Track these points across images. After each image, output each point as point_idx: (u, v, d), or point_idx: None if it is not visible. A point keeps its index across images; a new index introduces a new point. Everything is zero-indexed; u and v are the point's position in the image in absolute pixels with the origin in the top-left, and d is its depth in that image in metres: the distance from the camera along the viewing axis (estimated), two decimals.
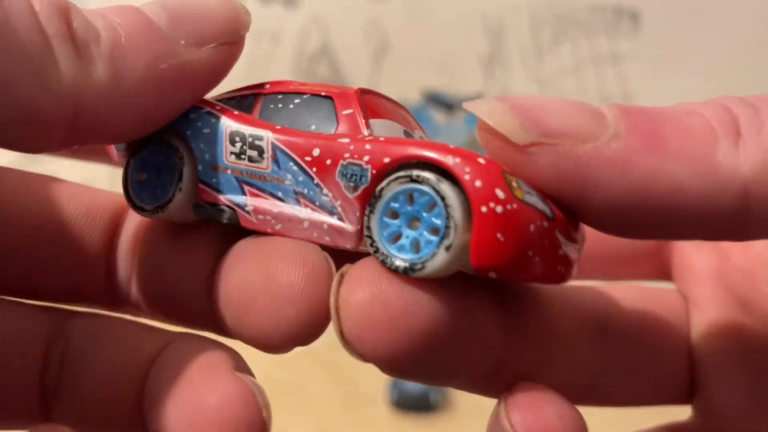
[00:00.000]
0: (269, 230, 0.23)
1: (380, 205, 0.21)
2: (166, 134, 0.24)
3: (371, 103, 0.24)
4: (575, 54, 0.90)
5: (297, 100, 0.24)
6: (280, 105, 0.25)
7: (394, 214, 0.21)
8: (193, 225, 0.25)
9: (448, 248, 0.20)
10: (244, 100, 0.25)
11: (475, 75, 0.90)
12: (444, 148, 0.21)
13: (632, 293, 0.26)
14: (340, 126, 0.23)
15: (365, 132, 0.23)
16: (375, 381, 0.70)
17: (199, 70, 0.23)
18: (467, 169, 0.20)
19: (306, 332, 0.22)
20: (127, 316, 0.26)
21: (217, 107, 0.24)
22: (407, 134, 0.25)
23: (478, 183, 0.20)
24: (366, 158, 0.22)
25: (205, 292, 0.23)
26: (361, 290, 0.20)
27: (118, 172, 0.26)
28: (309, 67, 0.88)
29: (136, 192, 0.25)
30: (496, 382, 0.23)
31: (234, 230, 0.24)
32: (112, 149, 0.26)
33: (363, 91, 0.24)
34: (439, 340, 0.20)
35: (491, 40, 0.90)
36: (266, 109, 0.25)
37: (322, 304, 0.21)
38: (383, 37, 0.89)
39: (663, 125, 0.20)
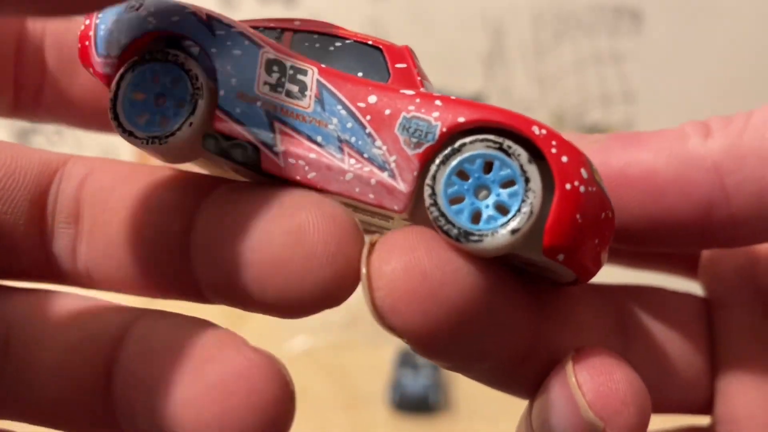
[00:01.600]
0: (298, 177, 0.20)
1: (455, 161, 0.19)
2: (179, 52, 0.21)
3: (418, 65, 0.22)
4: (576, 53, 0.90)
5: (337, 43, 0.22)
6: (316, 45, 0.22)
7: (464, 176, 0.19)
8: (160, 174, 0.22)
9: (513, 232, 0.19)
10: (267, 33, 0.22)
11: (476, 74, 0.89)
12: (524, 118, 0.19)
13: (648, 296, 0.25)
14: (392, 79, 0.21)
15: (422, 89, 0.21)
16: (375, 382, 0.70)
17: None
18: (554, 143, 0.19)
19: (339, 294, 0.20)
20: (72, 291, 0.23)
21: (250, 30, 0.21)
22: None
23: (564, 158, 0.19)
24: (435, 114, 0.19)
25: (182, 252, 0.21)
26: (396, 258, 0.19)
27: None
28: None
29: (126, 113, 0.21)
30: (524, 370, 0.22)
31: (208, 180, 0.21)
32: (91, 53, 0.21)
33: (411, 50, 0.22)
34: (477, 315, 0.19)
35: (492, 39, 0.89)
36: (299, 46, 0.22)
37: (355, 264, 0.19)
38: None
39: (641, 134, 0.22)
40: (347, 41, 0.22)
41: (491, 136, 0.19)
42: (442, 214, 0.19)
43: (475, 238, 0.19)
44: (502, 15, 0.89)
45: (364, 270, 0.19)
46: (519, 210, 0.19)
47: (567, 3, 0.89)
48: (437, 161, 0.20)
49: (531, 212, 0.19)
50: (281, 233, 0.19)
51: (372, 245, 0.20)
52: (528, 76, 0.90)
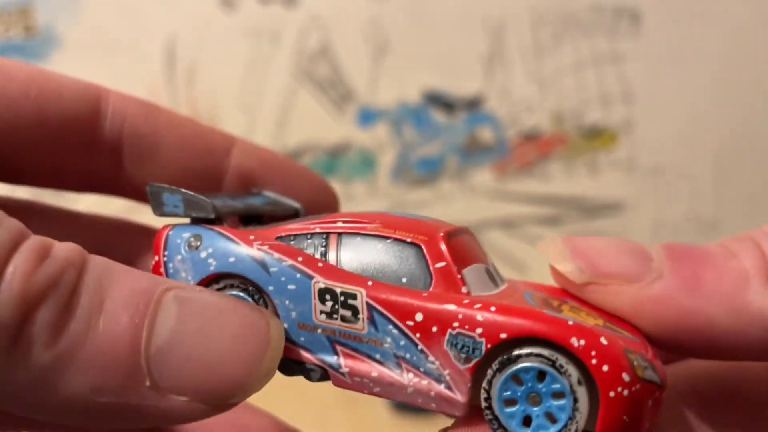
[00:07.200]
0: (365, 392, 0.23)
1: (511, 370, 0.21)
2: (252, 286, 0.23)
3: (456, 247, 0.23)
4: (576, 54, 0.90)
5: (379, 245, 0.23)
6: (362, 249, 0.23)
7: (519, 382, 0.21)
8: None
9: None
10: (315, 238, 0.23)
11: (476, 74, 0.89)
12: (564, 328, 0.20)
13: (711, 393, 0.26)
14: (435, 282, 0.22)
15: (464, 289, 0.22)
16: None
17: (148, 416, 0.18)
18: (593, 353, 0.20)
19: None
20: None
21: (300, 258, 0.23)
22: (488, 273, 0.24)
23: (605, 368, 0.20)
24: (479, 330, 0.21)
25: None
26: None
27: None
28: (309, 67, 0.88)
29: None
30: None
31: None
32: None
33: (448, 235, 0.23)
34: None
35: (491, 39, 0.89)
36: (347, 253, 0.23)
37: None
38: (383, 37, 0.89)
39: (702, 267, 0.22)
40: (388, 241, 0.23)
41: (545, 353, 0.20)
42: (496, 418, 0.21)
43: None
44: (502, 15, 0.89)
45: None
46: (566, 426, 0.20)
47: (567, 3, 0.89)
48: (494, 367, 0.21)
49: (576, 430, 0.20)
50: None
51: None
52: (528, 77, 0.90)
